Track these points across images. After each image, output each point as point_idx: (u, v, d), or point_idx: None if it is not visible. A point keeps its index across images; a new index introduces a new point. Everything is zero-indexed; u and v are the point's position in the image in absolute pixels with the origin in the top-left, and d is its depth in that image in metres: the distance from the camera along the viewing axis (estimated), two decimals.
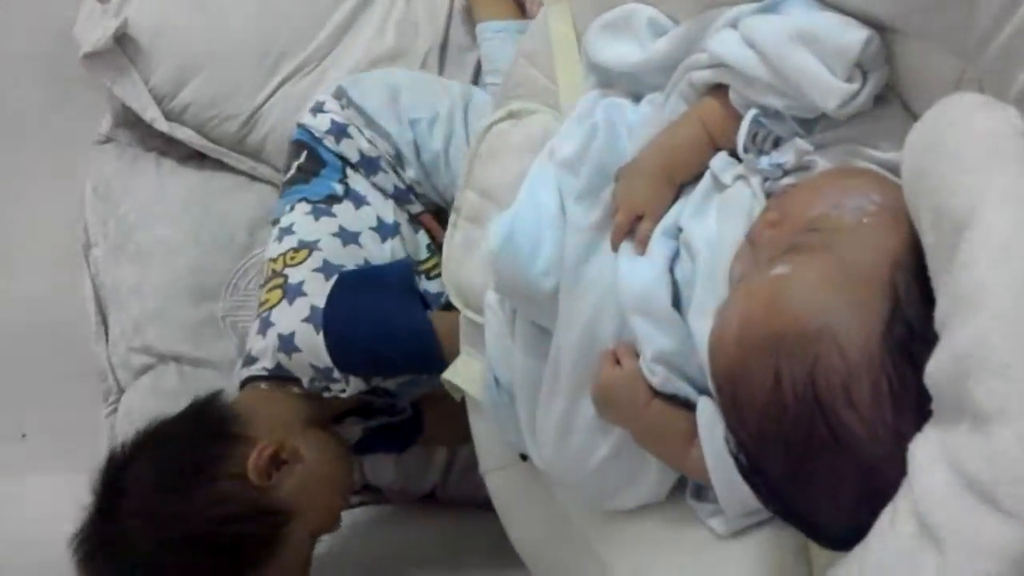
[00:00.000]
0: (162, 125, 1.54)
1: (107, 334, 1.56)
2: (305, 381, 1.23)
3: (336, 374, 1.22)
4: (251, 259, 1.54)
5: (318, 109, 1.37)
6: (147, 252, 1.53)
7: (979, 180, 0.54)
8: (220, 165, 1.56)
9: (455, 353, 1.14)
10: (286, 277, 1.26)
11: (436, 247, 1.36)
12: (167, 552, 1.10)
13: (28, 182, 1.40)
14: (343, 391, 1.23)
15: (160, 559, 1.10)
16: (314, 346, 1.20)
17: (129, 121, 1.60)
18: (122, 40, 1.52)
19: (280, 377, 1.24)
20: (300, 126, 1.37)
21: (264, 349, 1.24)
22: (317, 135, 1.34)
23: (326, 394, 1.24)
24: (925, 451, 0.53)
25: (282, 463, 1.17)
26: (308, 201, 1.32)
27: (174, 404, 1.44)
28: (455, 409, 1.14)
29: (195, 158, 1.59)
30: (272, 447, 1.16)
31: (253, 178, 1.54)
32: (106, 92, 1.57)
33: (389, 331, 1.24)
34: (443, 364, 1.14)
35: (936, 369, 0.53)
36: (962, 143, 0.57)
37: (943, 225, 0.55)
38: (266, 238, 1.44)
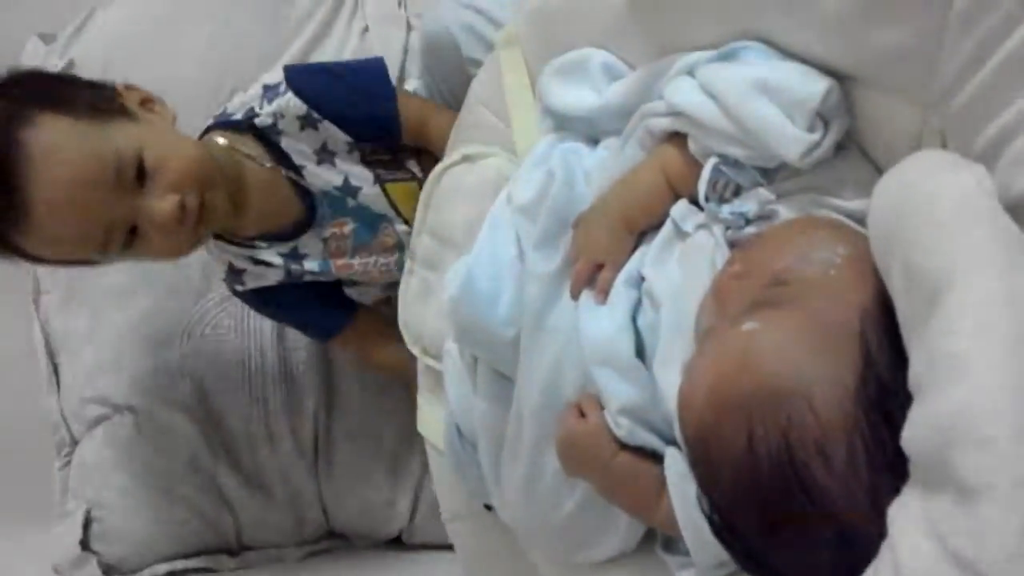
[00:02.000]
0: None
1: (59, 384, 1.52)
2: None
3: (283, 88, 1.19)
4: (207, 303, 1.51)
5: None
6: (99, 298, 1.50)
7: (953, 244, 0.53)
8: None
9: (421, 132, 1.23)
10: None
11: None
12: None
13: None
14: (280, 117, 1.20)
15: None
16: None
17: None
18: None
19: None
20: None
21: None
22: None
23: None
24: (906, 518, 0.52)
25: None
26: None
27: (130, 455, 1.43)
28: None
29: None
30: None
31: None
32: None
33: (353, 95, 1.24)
34: (398, 130, 1.21)
35: (915, 436, 0.52)
36: (933, 205, 0.56)
37: (917, 288, 0.54)
38: (221, 283, 1.42)
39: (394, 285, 1.38)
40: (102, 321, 1.49)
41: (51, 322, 1.53)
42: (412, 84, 1.45)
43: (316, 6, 1.58)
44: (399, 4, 1.56)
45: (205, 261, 1.48)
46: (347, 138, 1.22)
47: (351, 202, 1.26)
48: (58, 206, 1.02)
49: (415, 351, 1.11)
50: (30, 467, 1.54)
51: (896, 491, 0.56)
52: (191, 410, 1.48)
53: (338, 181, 1.24)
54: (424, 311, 1.09)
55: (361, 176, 1.25)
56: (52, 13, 1.60)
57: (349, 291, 1.39)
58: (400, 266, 1.28)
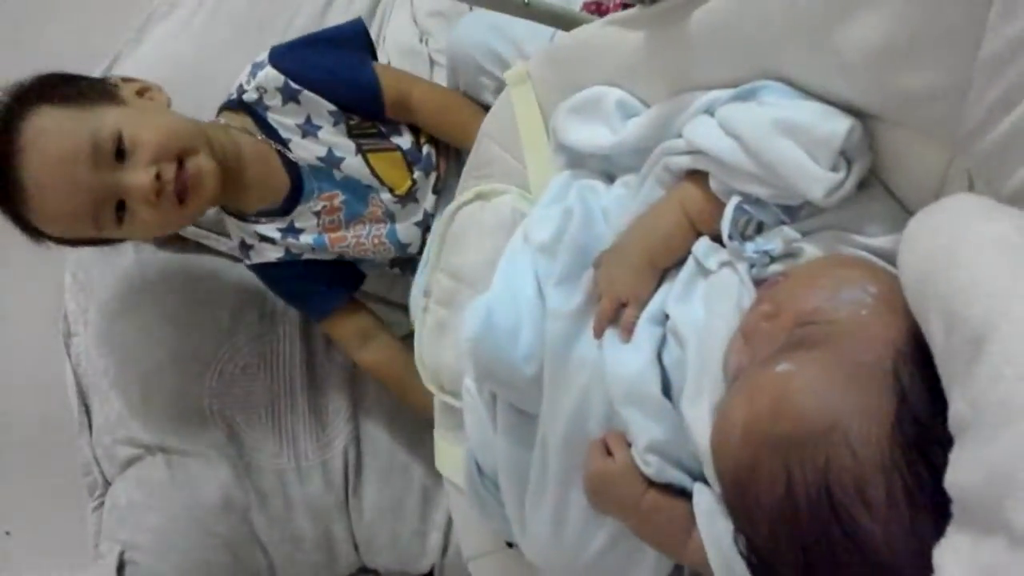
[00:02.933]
0: None
1: (90, 425, 1.52)
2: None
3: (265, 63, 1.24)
4: (236, 343, 1.51)
5: None
6: (129, 340, 1.50)
7: (995, 289, 0.53)
8: (200, 247, 1.52)
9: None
10: None
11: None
12: None
13: (7, 270, 1.35)
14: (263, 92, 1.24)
15: None
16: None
17: None
18: None
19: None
20: None
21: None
22: None
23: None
24: (956, 562, 0.52)
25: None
26: None
27: (162, 496, 1.43)
28: None
29: (174, 242, 1.56)
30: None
31: (235, 260, 1.49)
32: None
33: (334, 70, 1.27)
34: (378, 90, 1.25)
35: (963, 479, 0.52)
36: (972, 250, 0.57)
37: (958, 333, 0.54)
38: (250, 322, 1.48)
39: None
40: (132, 362, 1.49)
41: (82, 364, 1.53)
42: None
43: None
44: (420, 40, 1.57)
45: (233, 302, 1.51)
46: (331, 107, 1.26)
47: (337, 174, 1.30)
48: (45, 185, 1.11)
49: (432, 388, 1.11)
50: (64, 510, 1.54)
51: (938, 532, 0.56)
52: (222, 449, 1.48)
53: (322, 152, 1.28)
54: (440, 348, 1.10)
55: (344, 147, 1.29)
56: (79, 58, 1.61)
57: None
58: (391, 236, 1.35)
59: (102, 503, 1.49)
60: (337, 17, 1.63)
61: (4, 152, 1.10)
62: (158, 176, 1.13)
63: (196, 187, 1.16)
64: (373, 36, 1.46)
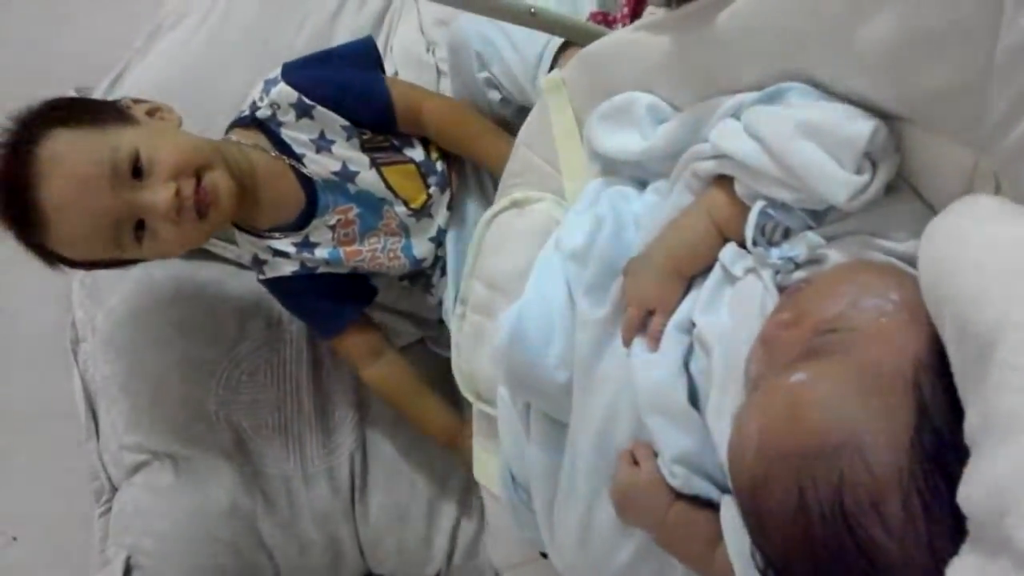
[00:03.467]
0: None
1: (97, 431, 1.53)
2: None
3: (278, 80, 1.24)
4: (243, 350, 1.51)
5: None
6: (136, 347, 1.51)
7: (1005, 294, 0.51)
8: (207, 254, 1.53)
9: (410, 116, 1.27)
10: None
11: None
12: None
13: (15, 276, 1.38)
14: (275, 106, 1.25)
15: None
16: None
17: None
18: None
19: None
20: None
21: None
22: None
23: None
24: None
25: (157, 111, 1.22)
26: None
27: (169, 501, 1.44)
28: None
29: None
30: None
31: (241, 267, 1.50)
32: None
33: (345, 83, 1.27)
34: (390, 106, 1.26)
35: (971, 495, 0.50)
36: (983, 254, 0.54)
37: (969, 339, 0.52)
38: (257, 328, 1.47)
39: (424, 322, 1.43)
40: (139, 369, 1.50)
41: (89, 370, 1.54)
42: None
43: None
44: (427, 49, 1.57)
45: (241, 308, 1.51)
46: (344, 122, 1.26)
47: (351, 188, 1.30)
48: (64, 206, 1.10)
49: (469, 397, 1.11)
50: (70, 515, 1.55)
51: (955, 549, 0.54)
52: (229, 455, 1.48)
53: (336, 167, 1.28)
54: (477, 356, 1.09)
55: (358, 161, 1.29)
56: (88, 67, 1.64)
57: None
58: (407, 251, 1.36)
59: (109, 508, 1.50)
60: (345, 26, 1.63)
61: (21, 178, 1.10)
62: (177, 193, 1.13)
63: (215, 202, 1.17)
64: (380, 46, 1.47)
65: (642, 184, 0.96)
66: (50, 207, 1.10)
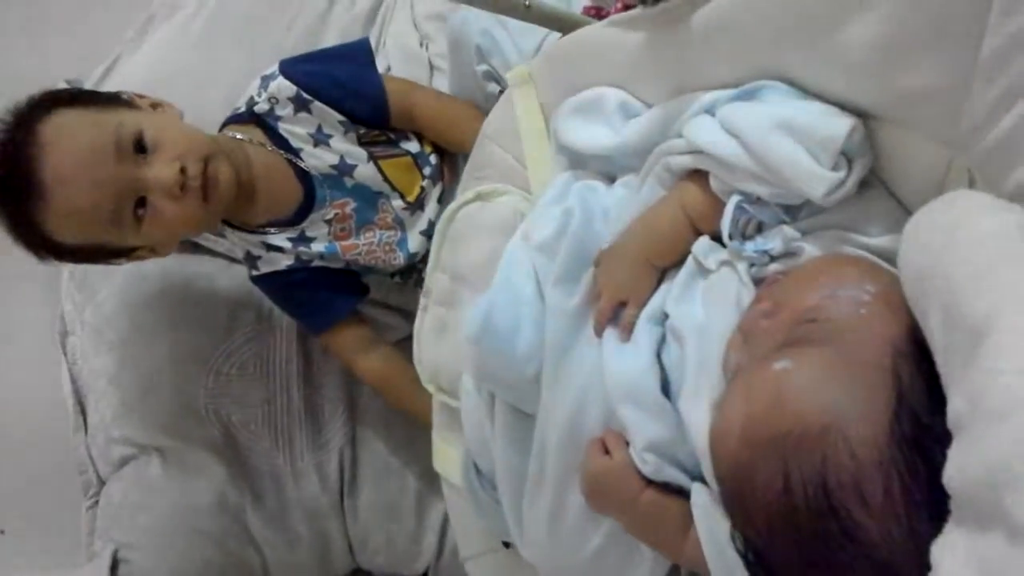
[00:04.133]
0: None
1: (85, 424, 1.51)
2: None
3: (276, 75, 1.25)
4: (233, 343, 1.50)
5: None
6: (125, 340, 1.49)
7: (994, 284, 0.54)
8: (197, 247, 1.52)
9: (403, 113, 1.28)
10: None
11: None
12: None
13: (4, 267, 1.35)
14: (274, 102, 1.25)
15: None
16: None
17: None
18: None
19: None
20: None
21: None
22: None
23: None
24: (954, 559, 0.51)
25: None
26: None
27: (157, 495, 1.43)
28: None
29: None
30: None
31: (231, 260, 1.50)
32: None
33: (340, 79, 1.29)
34: (386, 104, 1.27)
35: (960, 475, 0.52)
36: (971, 246, 0.57)
37: (958, 329, 0.55)
38: (247, 322, 1.47)
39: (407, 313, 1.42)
40: (128, 362, 1.49)
41: (78, 363, 1.53)
42: None
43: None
44: (420, 44, 1.57)
45: (231, 301, 1.50)
46: (340, 117, 1.27)
47: (348, 181, 1.30)
48: (66, 178, 1.09)
49: (430, 388, 1.11)
50: (58, 508, 1.53)
51: (936, 530, 0.56)
52: (217, 449, 1.47)
53: (334, 160, 1.29)
54: (439, 348, 1.09)
55: (356, 155, 1.30)
56: (79, 59, 1.62)
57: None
58: (402, 245, 1.36)
59: (97, 502, 1.49)
60: (337, 20, 1.63)
61: (21, 149, 1.08)
62: (183, 171, 1.12)
63: (216, 194, 1.17)
64: (373, 41, 1.48)
65: (610, 178, 0.97)
66: (52, 178, 1.08)
